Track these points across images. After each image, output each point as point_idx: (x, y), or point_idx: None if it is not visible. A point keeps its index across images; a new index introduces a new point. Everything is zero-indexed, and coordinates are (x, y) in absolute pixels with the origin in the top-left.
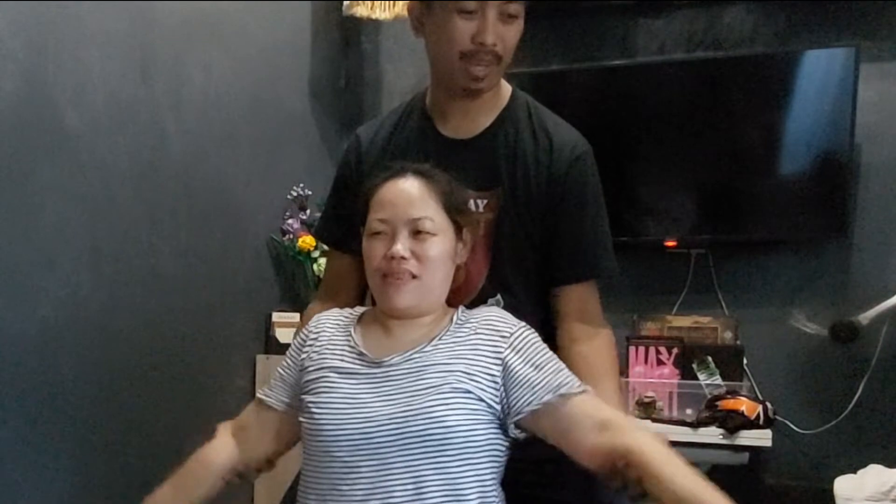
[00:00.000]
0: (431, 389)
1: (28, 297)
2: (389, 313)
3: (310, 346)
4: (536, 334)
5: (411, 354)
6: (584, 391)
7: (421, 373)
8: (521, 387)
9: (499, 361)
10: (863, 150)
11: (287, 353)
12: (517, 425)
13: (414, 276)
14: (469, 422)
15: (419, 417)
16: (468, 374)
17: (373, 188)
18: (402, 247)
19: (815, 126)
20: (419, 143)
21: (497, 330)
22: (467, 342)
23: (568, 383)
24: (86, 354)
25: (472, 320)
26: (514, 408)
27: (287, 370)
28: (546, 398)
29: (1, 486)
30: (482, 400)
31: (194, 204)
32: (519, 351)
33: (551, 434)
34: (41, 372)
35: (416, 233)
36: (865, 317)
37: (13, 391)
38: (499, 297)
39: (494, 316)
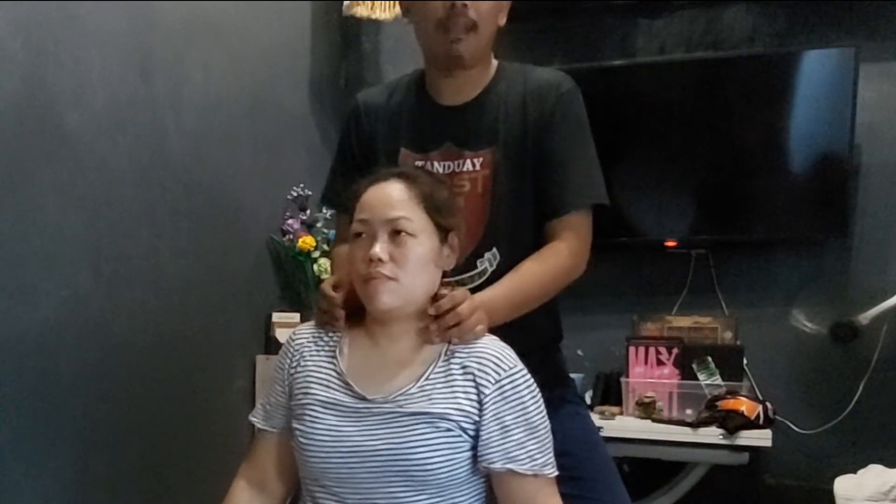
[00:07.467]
0: (415, 431)
1: (28, 297)
2: (375, 315)
3: (293, 367)
4: (530, 381)
5: (396, 396)
6: (534, 475)
7: (405, 414)
8: (486, 438)
9: (478, 403)
10: (863, 150)
11: (271, 373)
12: None
13: (391, 279)
14: (451, 462)
15: (402, 458)
16: (452, 417)
17: (358, 192)
18: (379, 249)
19: (814, 126)
20: (416, 108)
21: (489, 367)
22: (454, 382)
23: (523, 459)
24: (86, 354)
25: (462, 353)
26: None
27: (277, 395)
28: (496, 465)
29: (1, 486)
30: (464, 433)
31: (194, 204)
32: (504, 397)
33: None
34: (41, 372)
35: (396, 233)
36: (865, 317)
37: (13, 391)
38: (494, 250)
39: (490, 352)
